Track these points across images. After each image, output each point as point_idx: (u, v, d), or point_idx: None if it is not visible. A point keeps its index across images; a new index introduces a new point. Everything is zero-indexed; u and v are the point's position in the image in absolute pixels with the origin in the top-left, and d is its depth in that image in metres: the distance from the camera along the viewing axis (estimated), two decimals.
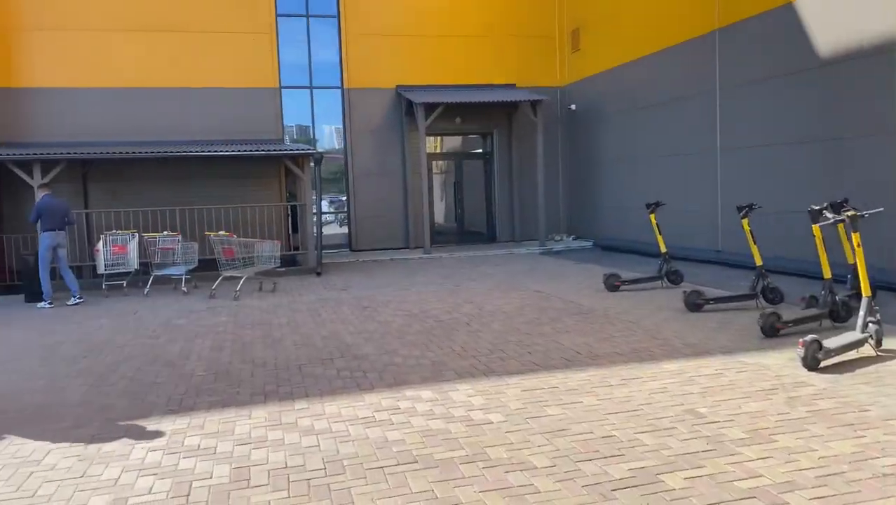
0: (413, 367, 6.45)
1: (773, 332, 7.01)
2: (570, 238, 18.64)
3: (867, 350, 6.21)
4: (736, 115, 12.68)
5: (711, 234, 13.42)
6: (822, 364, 5.80)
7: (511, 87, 18.52)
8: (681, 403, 5.08)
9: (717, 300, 8.59)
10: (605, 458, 4.12)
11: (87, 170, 15.41)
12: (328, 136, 18.73)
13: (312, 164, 14.26)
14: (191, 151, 14.04)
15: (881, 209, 6.84)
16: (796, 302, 7.91)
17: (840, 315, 7.32)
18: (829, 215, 6.98)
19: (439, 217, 19.19)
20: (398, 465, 4.14)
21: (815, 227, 7.18)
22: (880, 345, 6.22)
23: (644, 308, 8.96)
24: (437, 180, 19.26)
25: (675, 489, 3.66)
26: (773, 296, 8.57)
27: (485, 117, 18.42)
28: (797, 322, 7.14)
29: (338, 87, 17.88)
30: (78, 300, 11.23)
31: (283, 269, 13.64)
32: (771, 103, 11.84)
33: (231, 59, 16.69)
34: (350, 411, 5.18)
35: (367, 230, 18.01)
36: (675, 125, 14.49)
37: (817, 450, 4.11)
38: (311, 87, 17.87)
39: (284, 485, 3.93)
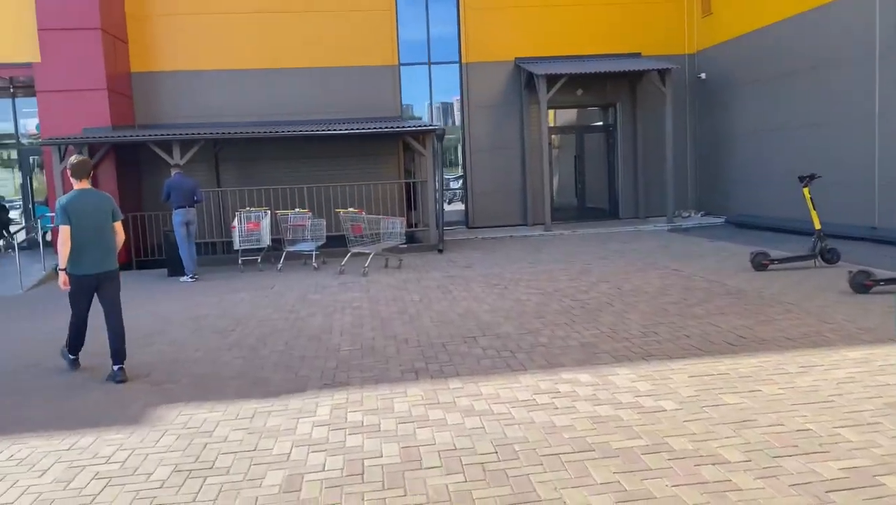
0: (562, 348, 6.19)
1: None
2: (699, 214, 17.72)
3: None
4: None
5: (866, 210, 12.31)
6: None
7: (636, 56, 17.70)
8: (878, 396, 4.56)
9: (890, 281, 7.80)
10: (807, 454, 3.72)
11: (218, 150, 15.99)
12: (445, 112, 18.60)
13: (435, 140, 14.15)
14: (323, 130, 14.22)
15: None
16: None
17: None
18: None
19: (558, 193, 18.70)
20: (574, 452, 3.91)
21: None
22: None
23: (801, 289, 8.28)
24: (555, 155, 18.74)
25: None
26: None
27: (607, 89, 17.71)
28: None
29: (455, 62, 17.67)
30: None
31: (405, 245, 13.66)
32: None
33: (352, 38, 16.80)
34: (508, 393, 4.99)
35: (484, 206, 17.79)
36: (822, 93, 13.34)
37: None
38: (429, 63, 17.76)
39: (458, 468, 3.78)
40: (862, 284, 7.80)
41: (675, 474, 3.57)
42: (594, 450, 3.93)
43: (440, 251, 13.93)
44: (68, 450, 4.34)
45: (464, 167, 18.01)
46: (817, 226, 9.70)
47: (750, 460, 3.68)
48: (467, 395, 5.00)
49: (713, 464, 3.66)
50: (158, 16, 16.20)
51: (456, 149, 18.43)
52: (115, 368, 5.83)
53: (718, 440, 3.97)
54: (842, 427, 4.07)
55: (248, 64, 16.50)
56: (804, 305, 7.43)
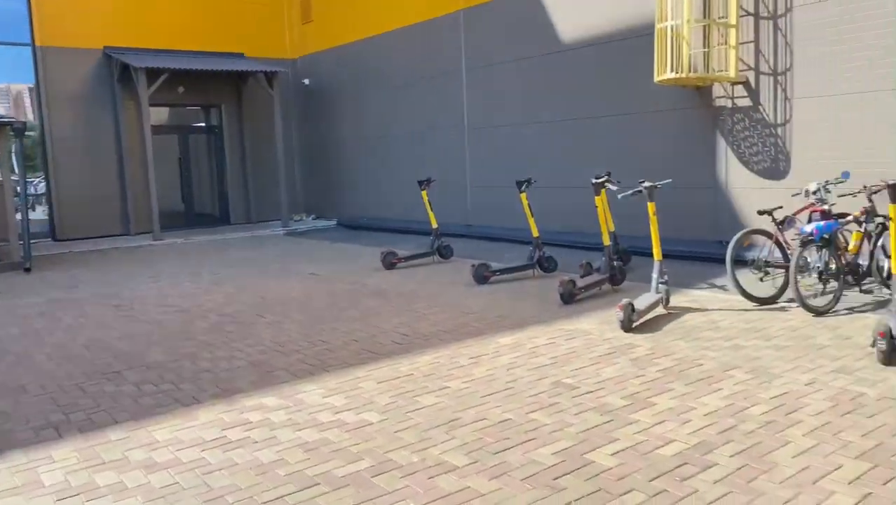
0: (231, 371, 5.55)
1: (570, 298, 7.42)
2: (311, 218, 18.05)
3: (659, 309, 6.88)
4: (483, 95, 13.25)
5: (461, 211, 13.94)
6: (634, 325, 6.26)
7: (239, 56, 17.19)
8: (544, 376, 5.06)
9: (502, 271, 8.90)
10: (521, 444, 3.90)
11: None
12: (16, 103, 15.56)
13: (12, 135, 11.65)
14: None
15: (670, 180, 7.53)
16: (578, 269, 8.49)
17: (617, 279, 8.03)
18: (613, 186, 7.60)
19: (163, 199, 17.11)
20: (300, 490, 3.45)
21: (598, 199, 7.76)
22: (668, 303, 6.93)
23: (433, 284, 8.93)
24: (157, 158, 17.12)
25: (611, 467, 3.57)
26: (549, 265, 9.12)
27: (211, 88, 16.84)
28: (587, 288, 7.66)
29: (28, 45, 14.88)
30: None
31: None
32: (517, 84, 12.56)
33: None
34: (190, 434, 4.24)
35: (74, 215, 15.39)
36: (422, 103, 14.69)
37: (696, 407, 4.36)
38: None
39: None
40: (483, 276, 8.74)
41: (416, 493, 3.39)
42: (320, 483, 3.53)
43: (27, 270, 11.55)
44: None
45: (45, 169, 15.29)
46: (434, 225, 10.63)
47: (477, 462, 3.71)
48: (139, 445, 4.10)
49: (446, 473, 3.59)
50: None
51: (34, 147, 15.55)
52: None
53: (438, 446, 3.92)
54: (532, 412, 4.39)
55: None
56: (442, 298, 8.00)
